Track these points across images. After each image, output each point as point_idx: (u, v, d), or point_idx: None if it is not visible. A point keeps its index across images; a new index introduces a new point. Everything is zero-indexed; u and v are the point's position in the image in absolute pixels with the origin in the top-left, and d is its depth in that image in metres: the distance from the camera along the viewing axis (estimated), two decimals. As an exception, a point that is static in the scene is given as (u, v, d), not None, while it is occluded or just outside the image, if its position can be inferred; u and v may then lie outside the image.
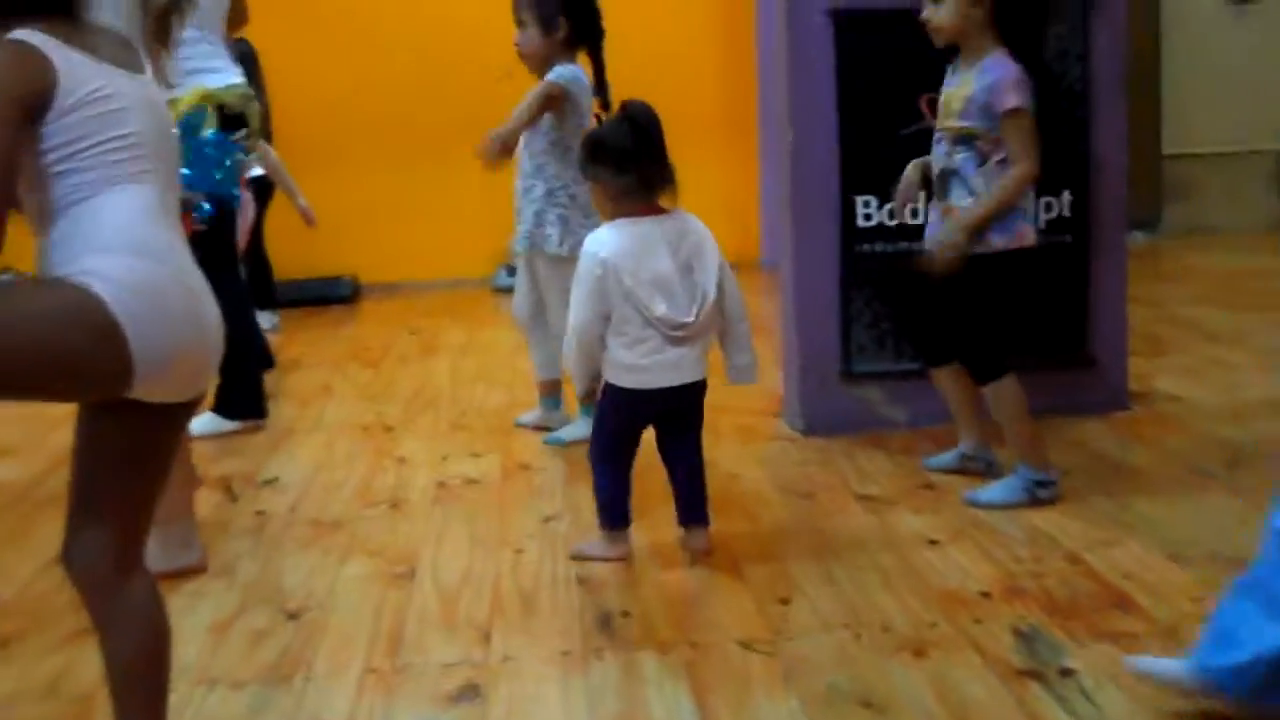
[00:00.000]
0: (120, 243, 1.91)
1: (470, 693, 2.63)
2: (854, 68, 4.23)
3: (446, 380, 5.65)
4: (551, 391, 4.61)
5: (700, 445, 3.37)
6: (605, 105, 4.33)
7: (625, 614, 2.98)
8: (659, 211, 3.24)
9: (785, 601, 2.99)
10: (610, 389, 3.28)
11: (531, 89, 4.30)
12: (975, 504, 3.57)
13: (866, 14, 4.19)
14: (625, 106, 3.29)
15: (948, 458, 3.89)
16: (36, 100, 1.87)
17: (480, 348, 6.36)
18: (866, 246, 4.30)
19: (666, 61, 8.12)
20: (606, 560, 3.29)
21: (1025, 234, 3.55)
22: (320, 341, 6.71)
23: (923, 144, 3.80)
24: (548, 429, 4.56)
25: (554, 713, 2.54)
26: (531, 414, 4.73)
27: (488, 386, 5.45)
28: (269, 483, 4.15)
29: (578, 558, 3.33)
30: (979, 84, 3.48)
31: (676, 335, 3.16)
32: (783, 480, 3.92)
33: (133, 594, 2.07)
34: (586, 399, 3.48)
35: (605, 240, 3.17)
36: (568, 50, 4.33)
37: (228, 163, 3.63)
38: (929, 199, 3.76)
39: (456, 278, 8.31)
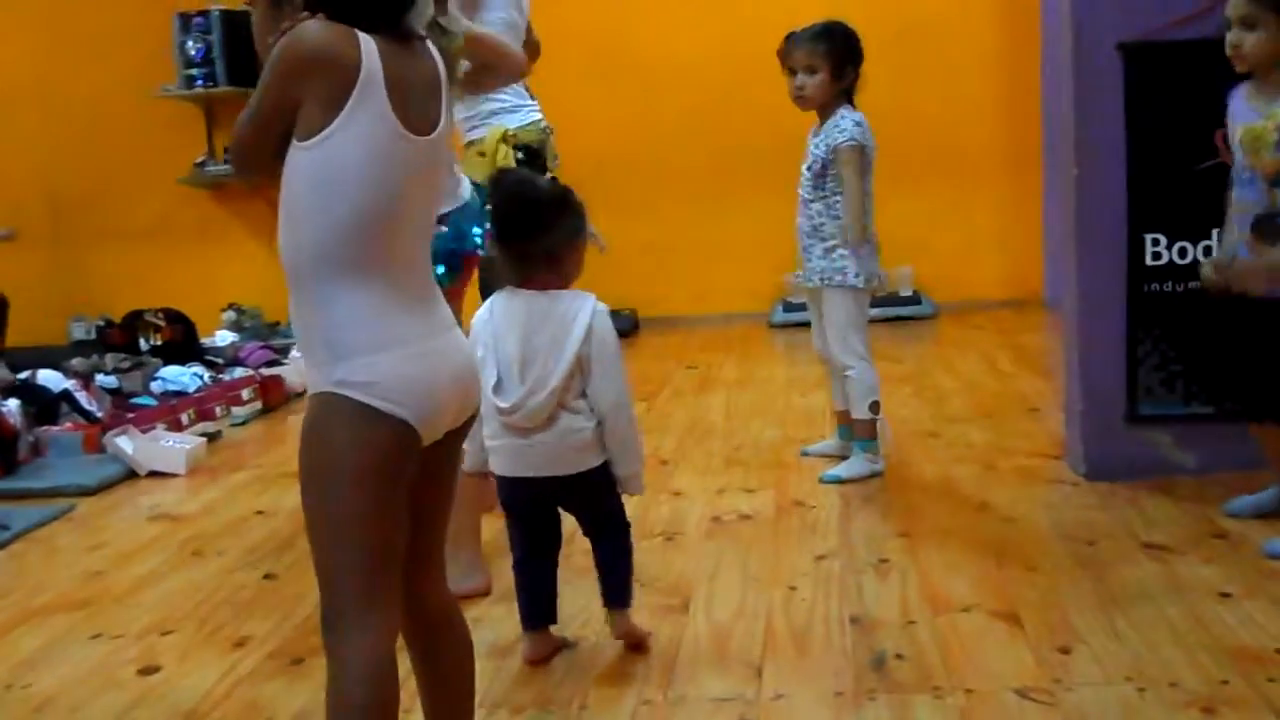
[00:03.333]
0: (363, 343, 1.95)
1: (742, 729, 2.65)
2: (1144, 101, 4.10)
3: (721, 415, 5.69)
4: (847, 422, 4.62)
5: (617, 527, 3.12)
6: None
7: (899, 656, 2.94)
8: (541, 287, 2.95)
9: (1065, 651, 2.91)
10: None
11: (842, 155, 4.36)
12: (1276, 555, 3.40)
13: (1159, 46, 4.06)
14: (495, 181, 3.06)
15: (1258, 499, 3.71)
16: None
17: (756, 383, 6.39)
18: (1155, 285, 4.15)
19: (949, 94, 8.03)
20: (527, 662, 3.05)
21: None
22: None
23: (1218, 181, 3.66)
24: (841, 458, 4.58)
25: (825, 753, 2.54)
26: (824, 444, 4.80)
27: (763, 421, 5.47)
28: (549, 512, 4.26)
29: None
30: None
31: (505, 420, 2.93)
32: (1064, 526, 3.81)
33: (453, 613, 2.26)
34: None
35: (484, 309, 2.99)
36: (843, 97, 4.42)
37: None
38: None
39: (733, 312, 8.37)
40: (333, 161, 1.91)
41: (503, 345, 2.91)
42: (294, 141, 1.92)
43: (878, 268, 4.47)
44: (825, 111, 4.43)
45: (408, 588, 2.12)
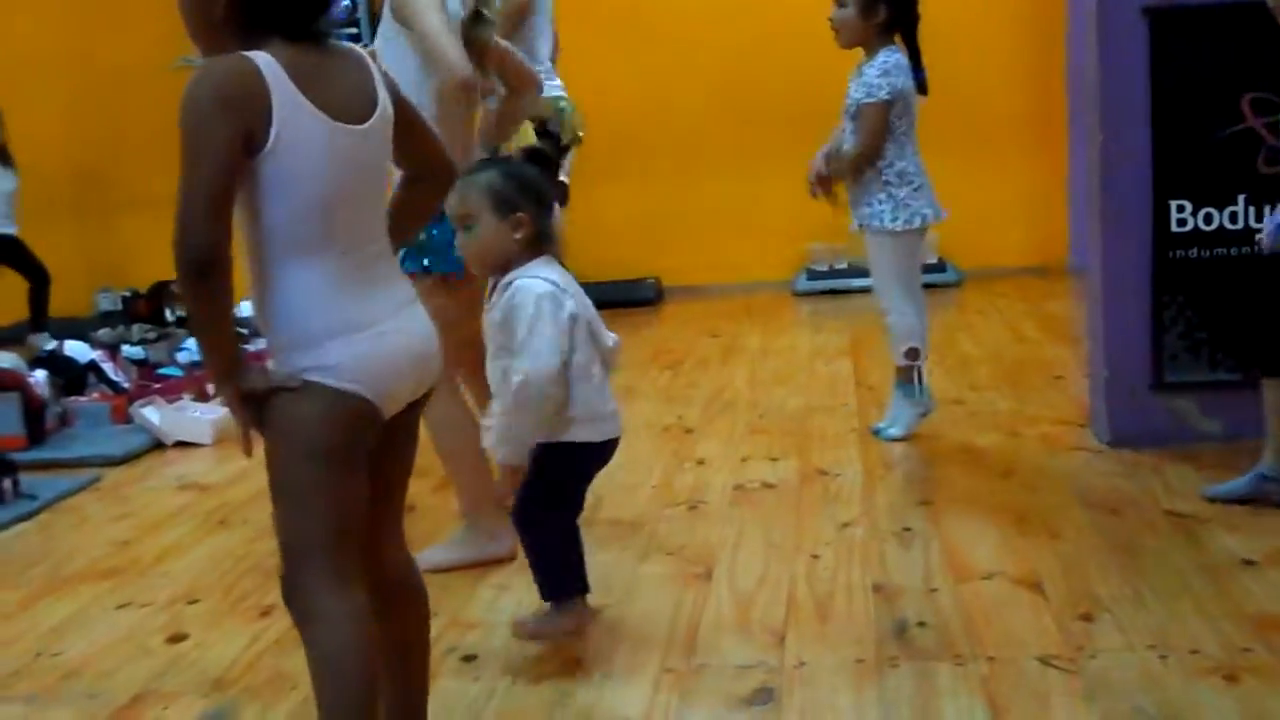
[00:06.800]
0: (320, 329, 2.02)
1: (764, 696, 2.66)
2: (1169, 67, 4.06)
3: (745, 383, 5.69)
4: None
5: None
6: (923, 90, 4.35)
7: (921, 624, 2.95)
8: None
9: (1088, 619, 2.91)
10: (567, 448, 2.85)
11: (860, 98, 4.32)
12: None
13: (1185, 10, 4.02)
14: (532, 152, 2.97)
15: (1239, 484, 3.61)
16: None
17: (779, 351, 6.38)
18: (1180, 252, 4.12)
19: (973, 60, 7.96)
20: (565, 635, 2.94)
21: None
22: (623, 343, 6.83)
23: (1244, 147, 3.64)
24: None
25: (847, 720, 2.55)
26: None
27: (786, 390, 5.47)
28: (572, 481, 4.27)
29: (527, 636, 2.94)
30: None
31: (612, 361, 2.95)
32: (1087, 493, 3.81)
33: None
34: (514, 478, 2.91)
35: (550, 276, 2.80)
36: (883, 34, 4.36)
37: None
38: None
39: (757, 281, 8.36)
40: (282, 165, 1.96)
41: (579, 298, 2.88)
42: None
43: (926, 207, 4.40)
44: (866, 50, 4.38)
45: (372, 551, 2.20)
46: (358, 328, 2.04)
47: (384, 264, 2.15)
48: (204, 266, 1.90)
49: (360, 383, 2.03)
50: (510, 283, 2.78)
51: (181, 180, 1.91)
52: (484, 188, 2.75)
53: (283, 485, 2.07)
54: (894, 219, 4.37)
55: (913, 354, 4.44)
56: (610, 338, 2.92)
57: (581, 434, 2.85)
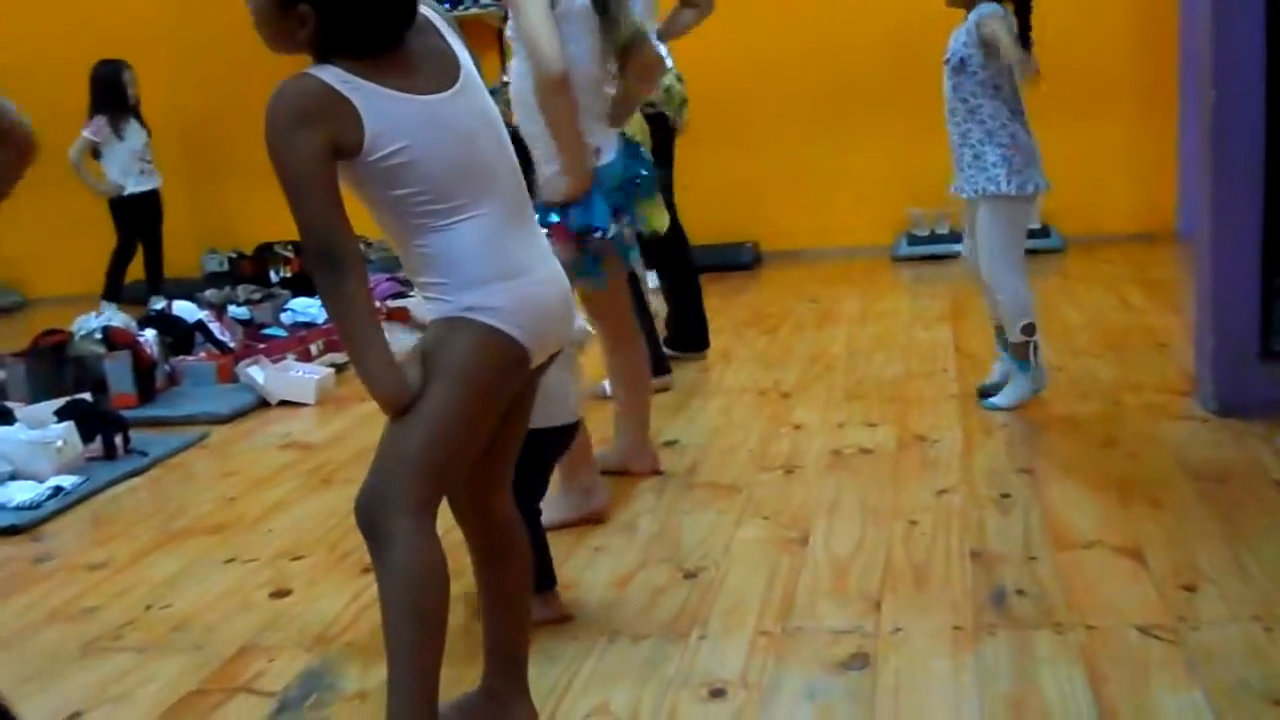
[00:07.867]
0: (484, 274, 2.07)
1: (860, 661, 2.66)
2: (1285, 25, 3.96)
3: (843, 348, 5.66)
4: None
5: None
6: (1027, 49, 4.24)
7: (1020, 592, 2.93)
8: None
9: (1190, 589, 2.87)
10: (562, 428, 2.97)
11: (994, 30, 4.15)
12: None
13: (1302, -33, 3.92)
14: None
15: None
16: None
17: (877, 316, 6.34)
18: (1294, 217, 4.03)
19: (1080, 14, 7.80)
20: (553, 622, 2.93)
21: None
22: (721, 307, 6.82)
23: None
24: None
25: (944, 687, 2.54)
26: (995, 381, 4.63)
27: (885, 356, 5.43)
28: (670, 444, 4.29)
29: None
30: None
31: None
32: (1192, 463, 3.74)
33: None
34: None
35: None
36: None
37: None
38: None
39: (855, 246, 8.30)
40: (392, 158, 2.00)
41: None
42: (344, 162, 1.99)
43: (1038, 175, 4.30)
44: (969, 9, 4.26)
45: (480, 500, 2.28)
46: (515, 273, 2.10)
47: (527, 212, 2.20)
48: (325, 256, 1.97)
49: (520, 327, 2.09)
50: None
51: (283, 192, 1.97)
52: None
53: (413, 404, 2.07)
54: (1009, 183, 4.24)
55: (1029, 329, 4.36)
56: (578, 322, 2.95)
57: (567, 416, 2.97)
